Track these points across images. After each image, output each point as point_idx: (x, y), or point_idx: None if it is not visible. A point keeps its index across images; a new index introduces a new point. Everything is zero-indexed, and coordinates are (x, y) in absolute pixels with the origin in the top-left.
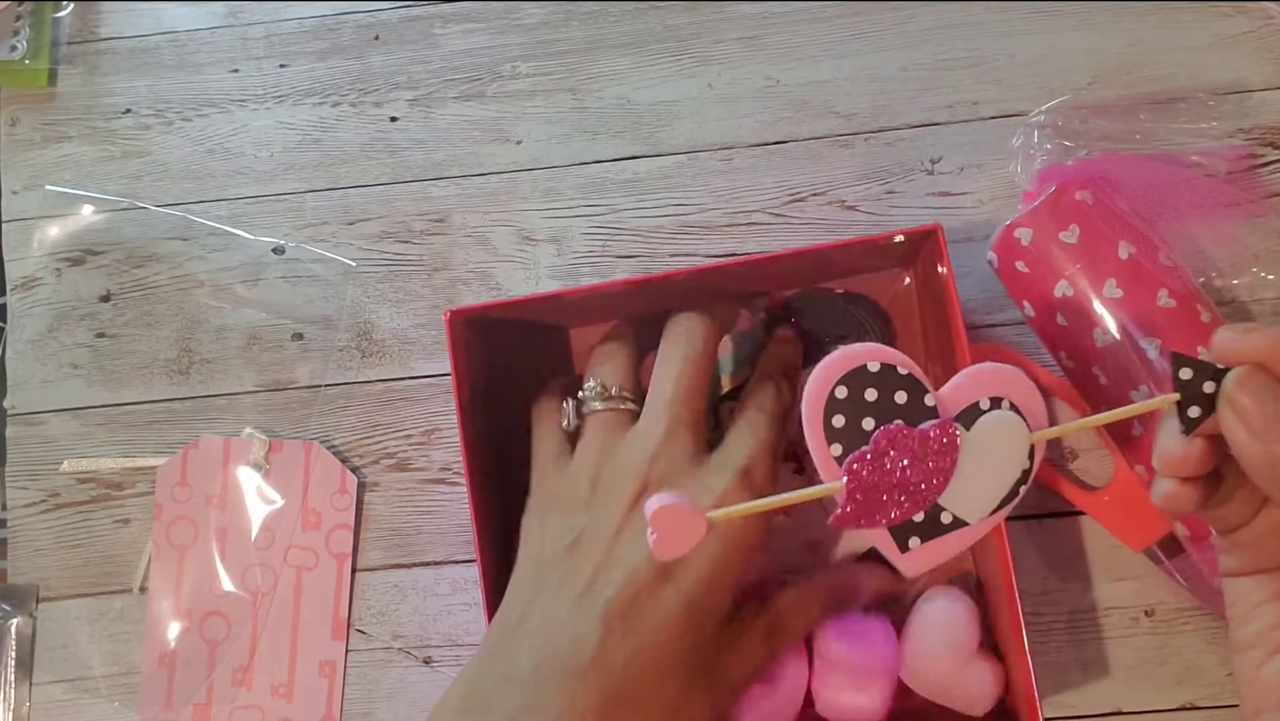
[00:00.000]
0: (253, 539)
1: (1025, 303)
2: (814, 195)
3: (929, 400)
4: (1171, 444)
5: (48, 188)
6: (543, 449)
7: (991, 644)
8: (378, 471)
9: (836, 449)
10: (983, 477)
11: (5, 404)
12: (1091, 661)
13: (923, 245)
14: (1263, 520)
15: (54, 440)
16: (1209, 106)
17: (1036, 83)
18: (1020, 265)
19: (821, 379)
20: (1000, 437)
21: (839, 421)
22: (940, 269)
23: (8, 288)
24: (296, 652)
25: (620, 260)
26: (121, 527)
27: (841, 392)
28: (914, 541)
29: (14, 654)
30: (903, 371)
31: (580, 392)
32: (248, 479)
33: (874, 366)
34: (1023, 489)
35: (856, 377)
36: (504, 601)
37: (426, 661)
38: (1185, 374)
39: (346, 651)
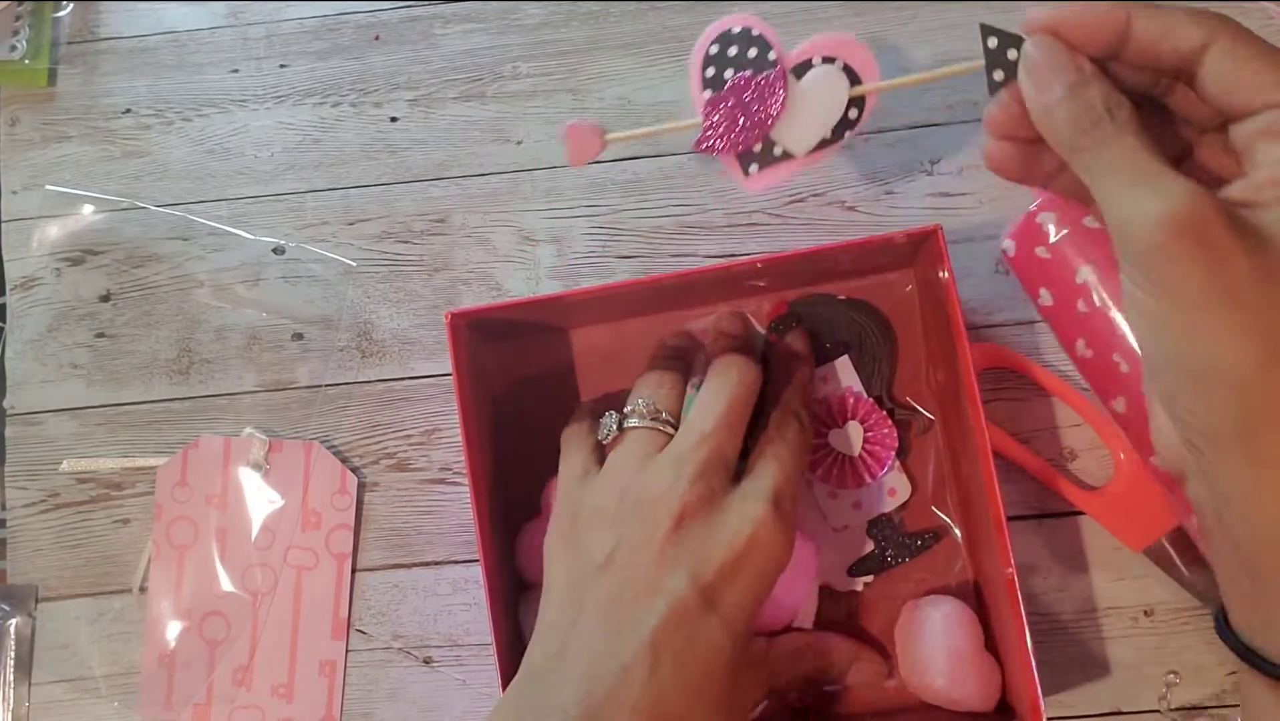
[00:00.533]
0: (253, 539)
1: (1043, 290)
2: (814, 196)
3: (772, 55)
4: (987, 106)
5: (48, 188)
6: (569, 469)
7: (991, 644)
8: (378, 471)
9: (708, 93)
10: (808, 119)
11: (5, 404)
12: (1091, 661)
13: (923, 246)
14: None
15: (53, 440)
16: None
17: None
18: (1041, 251)
19: (704, 38)
20: (823, 88)
21: (710, 72)
22: (940, 270)
23: (8, 288)
24: (296, 652)
25: (620, 260)
26: (121, 527)
27: (714, 49)
28: (753, 168)
29: (13, 654)
30: (755, 33)
31: (626, 407)
32: (248, 479)
33: (736, 29)
34: (847, 134)
35: (724, 38)
36: (538, 627)
37: (426, 661)
38: (992, 42)
39: (346, 651)
